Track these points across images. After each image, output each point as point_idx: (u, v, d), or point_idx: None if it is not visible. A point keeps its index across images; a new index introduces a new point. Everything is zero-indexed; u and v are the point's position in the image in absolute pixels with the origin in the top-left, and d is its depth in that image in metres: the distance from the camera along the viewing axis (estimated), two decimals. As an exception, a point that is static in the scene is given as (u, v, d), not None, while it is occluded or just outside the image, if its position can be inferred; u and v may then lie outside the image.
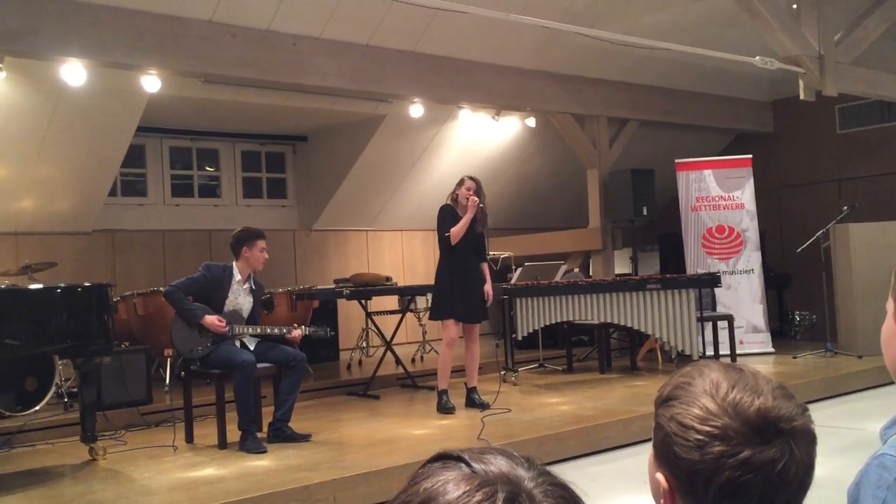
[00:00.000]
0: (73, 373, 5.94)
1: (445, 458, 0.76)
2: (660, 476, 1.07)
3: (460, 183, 6.20)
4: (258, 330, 5.44)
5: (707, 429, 1.01)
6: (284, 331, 5.45)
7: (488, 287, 6.22)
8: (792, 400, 1.04)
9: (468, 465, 0.74)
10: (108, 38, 6.00)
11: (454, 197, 6.19)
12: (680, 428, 1.03)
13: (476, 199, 6.04)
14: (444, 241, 6.09)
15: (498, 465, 0.74)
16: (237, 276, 5.43)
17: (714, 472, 0.99)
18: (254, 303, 5.52)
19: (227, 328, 5.27)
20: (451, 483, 0.72)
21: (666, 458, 1.05)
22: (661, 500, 1.07)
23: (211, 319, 5.23)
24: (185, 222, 9.45)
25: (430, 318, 6.33)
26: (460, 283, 6.08)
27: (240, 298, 5.45)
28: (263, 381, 5.61)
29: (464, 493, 0.71)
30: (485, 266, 6.29)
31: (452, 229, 6.01)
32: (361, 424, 5.94)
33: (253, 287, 5.53)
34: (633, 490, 4.49)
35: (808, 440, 1.03)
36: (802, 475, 1.01)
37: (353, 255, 10.53)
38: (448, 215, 6.12)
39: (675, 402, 1.06)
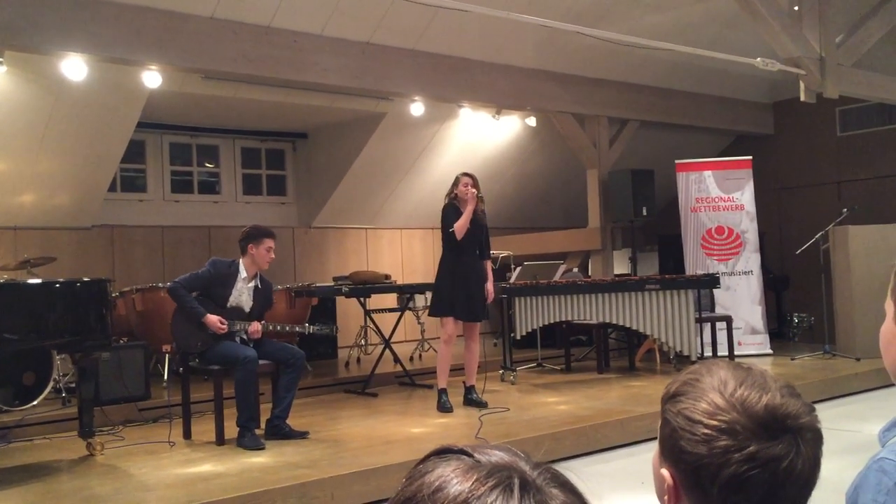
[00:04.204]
0: (71, 368, 5.94)
1: (446, 452, 0.76)
2: (665, 472, 1.07)
3: (456, 182, 6.18)
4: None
5: (714, 423, 1.02)
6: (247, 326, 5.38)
7: (489, 285, 6.22)
8: (799, 398, 1.05)
9: (470, 456, 0.75)
10: (109, 33, 5.99)
11: (453, 196, 6.18)
12: (687, 422, 1.04)
13: (474, 190, 6.05)
14: (449, 237, 6.07)
15: (500, 455, 0.75)
16: (243, 274, 5.43)
17: (720, 466, 1.00)
18: (255, 300, 5.51)
19: (227, 328, 5.27)
20: (459, 471, 0.72)
21: (672, 452, 1.06)
22: (666, 497, 1.07)
23: (212, 319, 5.23)
24: (185, 218, 9.44)
25: (430, 314, 6.31)
26: (462, 282, 6.06)
27: (243, 296, 5.45)
28: (262, 378, 5.60)
29: (476, 479, 0.71)
30: (487, 263, 6.29)
31: (456, 224, 5.99)
32: (359, 422, 5.95)
33: (258, 285, 5.53)
34: (630, 490, 4.50)
35: (814, 438, 1.04)
36: (808, 473, 1.02)
37: (352, 253, 10.52)
38: (453, 211, 6.11)
39: (683, 397, 1.07)
